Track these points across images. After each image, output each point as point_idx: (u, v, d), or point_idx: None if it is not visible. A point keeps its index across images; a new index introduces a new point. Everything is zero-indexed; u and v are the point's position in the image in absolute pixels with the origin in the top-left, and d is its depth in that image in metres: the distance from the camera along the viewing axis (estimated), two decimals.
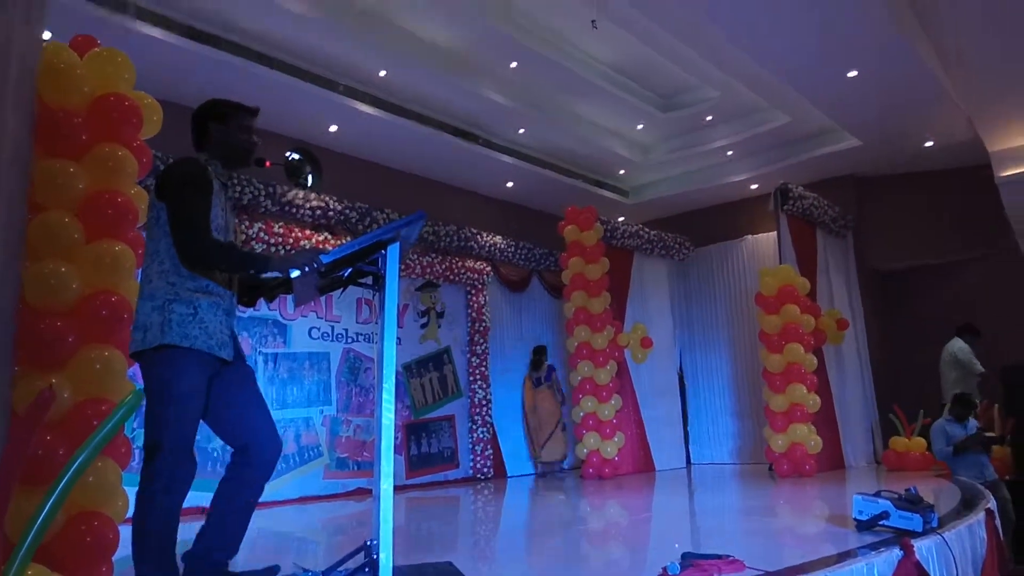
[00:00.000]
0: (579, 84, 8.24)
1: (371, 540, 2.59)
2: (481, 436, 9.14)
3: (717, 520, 5.64)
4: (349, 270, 2.84)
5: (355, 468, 7.86)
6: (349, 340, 8.09)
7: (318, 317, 7.84)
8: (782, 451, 7.97)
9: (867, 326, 9.68)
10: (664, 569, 2.97)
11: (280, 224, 7.36)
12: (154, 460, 2.47)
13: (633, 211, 11.22)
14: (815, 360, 8.21)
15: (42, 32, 3.06)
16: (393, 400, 2.53)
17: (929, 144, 9.07)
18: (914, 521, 3.78)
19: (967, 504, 4.86)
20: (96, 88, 3.20)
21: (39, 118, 2.99)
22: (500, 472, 9.32)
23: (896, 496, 3.92)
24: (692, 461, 10.58)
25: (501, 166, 9.29)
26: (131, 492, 2.73)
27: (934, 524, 3.85)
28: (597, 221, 9.02)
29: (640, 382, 9.58)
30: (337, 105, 7.45)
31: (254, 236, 7.09)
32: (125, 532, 2.73)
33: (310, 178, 3.20)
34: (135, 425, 5.65)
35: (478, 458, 9.10)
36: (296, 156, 3.16)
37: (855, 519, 4.01)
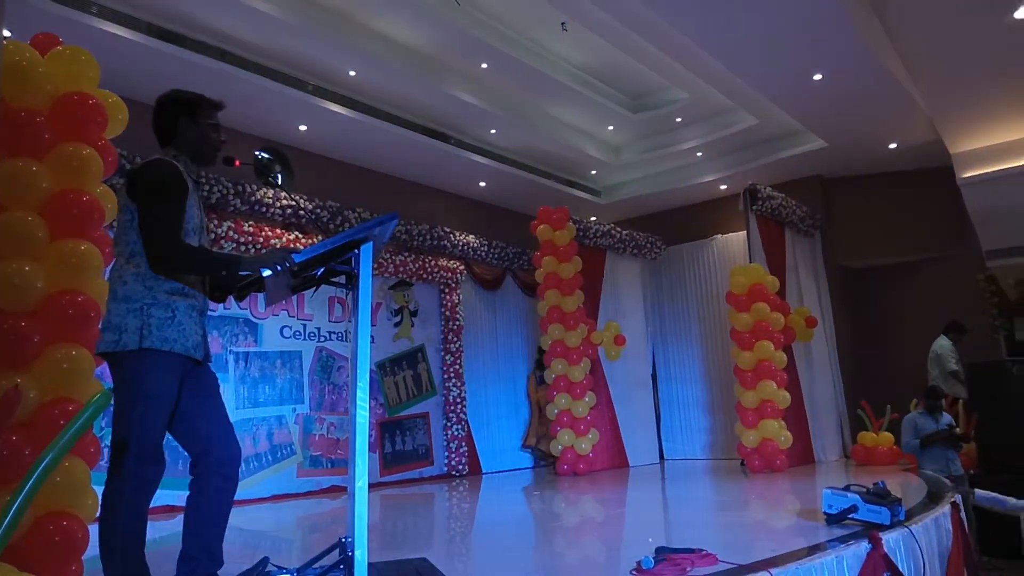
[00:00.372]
0: (550, 85, 8.27)
1: (346, 537, 2.58)
2: (456, 433, 9.14)
3: (690, 515, 5.70)
4: (322, 269, 2.82)
5: (329, 466, 7.81)
6: (322, 338, 8.04)
7: (290, 316, 7.78)
8: (753, 446, 8.08)
9: (835, 323, 9.84)
10: (638, 563, 3.00)
11: (250, 223, 7.29)
12: (123, 460, 2.44)
13: (605, 211, 11.29)
14: (785, 357, 8.33)
15: (1, 31, 3.00)
16: (368, 398, 2.53)
17: (893, 146, 9.25)
18: (882, 514, 3.85)
19: (933, 498, 4.96)
20: (59, 87, 3.15)
21: (1, 117, 2.93)
22: (475, 469, 9.33)
23: (864, 490, 4.00)
24: (665, 457, 10.67)
25: (473, 166, 9.30)
26: (100, 491, 2.69)
27: (901, 517, 3.94)
28: (569, 221, 9.06)
29: (614, 379, 9.64)
30: (306, 104, 7.40)
31: (223, 235, 7.01)
32: (94, 531, 2.69)
33: (279, 177, 3.17)
34: (103, 424, 5.58)
35: (453, 455, 9.10)
36: (265, 155, 3.13)
37: (825, 513, 4.08)
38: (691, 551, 3.18)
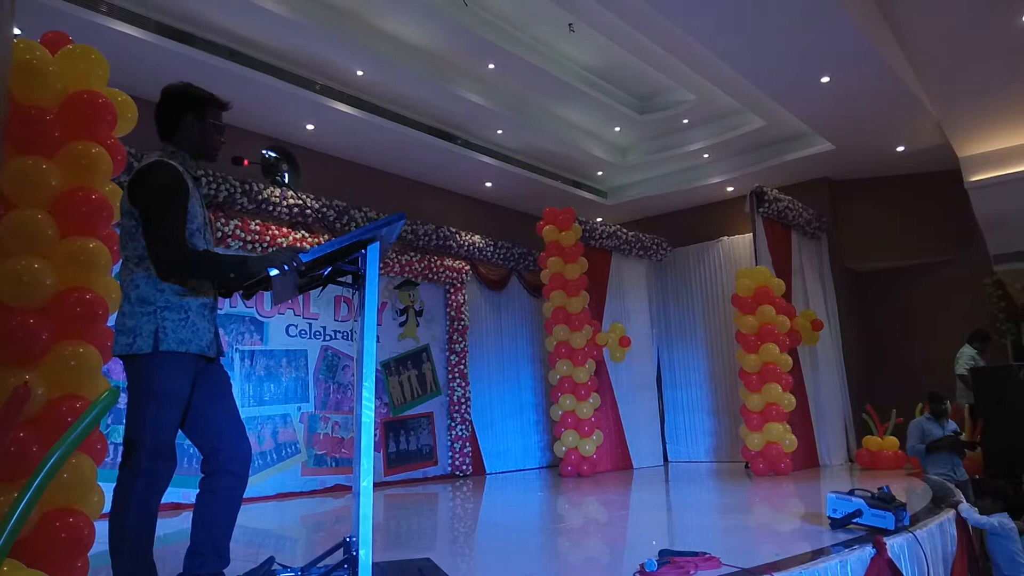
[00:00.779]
0: (556, 86, 8.27)
1: (350, 537, 2.58)
2: (460, 434, 9.15)
3: (694, 517, 5.69)
4: (329, 269, 2.83)
5: (333, 465, 7.83)
6: (327, 338, 8.05)
7: (296, 315, 7.80)
8: (758, 449, 8.06)
9: (841, 327, 9.82)
10: (642, 566, 3.00)
11: (256, 221, 7.31)
12: (134, 457, 2.45)
13: (611, 212, 11.29)
14: (790, 360, 8.31)
15: (12, 29, 3.01)
16: (373, 398, 2.53)
17: (901, 149, 9.23)
18: (887, 519, 3.84)
19: (938, 503, 4.95)
20: (69, 85, 3.15)
21: (10, 115, 2.94)
22: (479, 470, 9.34)
23: (869, 495, 3.99)
24: (669, 459, 10.67)
25: (480, 166, 9.30)
26: (107, 488, 2.70)
27: (906, 522, 3.93)
28: (576, 221, 9.06)
29: (618, 381, 9.64)
30: (314, 104, 7.41)
31: (230, 233, 7.03)
32: (100, 528, 2.70)
33: (286, 176, 3.17)
34: (109, 421, 5.60)
35: (457, 455, 9.11)
36: (272, 154, 3.14)
37: (829, 517, 4.08)
38: (694, 554, 3.18)
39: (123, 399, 3.02)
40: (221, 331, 6.95)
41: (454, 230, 9.45)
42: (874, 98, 7.72)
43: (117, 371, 5.44)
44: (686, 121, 9.51)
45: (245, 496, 2.72)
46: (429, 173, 9.47)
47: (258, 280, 2.72)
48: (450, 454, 9.13)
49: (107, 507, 2.63)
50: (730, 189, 10.50)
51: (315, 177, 8.10)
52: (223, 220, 6.99)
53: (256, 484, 7.02)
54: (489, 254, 9.91)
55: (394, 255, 8.68)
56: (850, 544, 3.50)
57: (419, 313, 9.18)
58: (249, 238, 7.17)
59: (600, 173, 10.66)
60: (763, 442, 8.04)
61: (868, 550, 3.37)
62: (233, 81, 6.67)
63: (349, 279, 2.87)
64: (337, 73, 7.40)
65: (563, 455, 8.77)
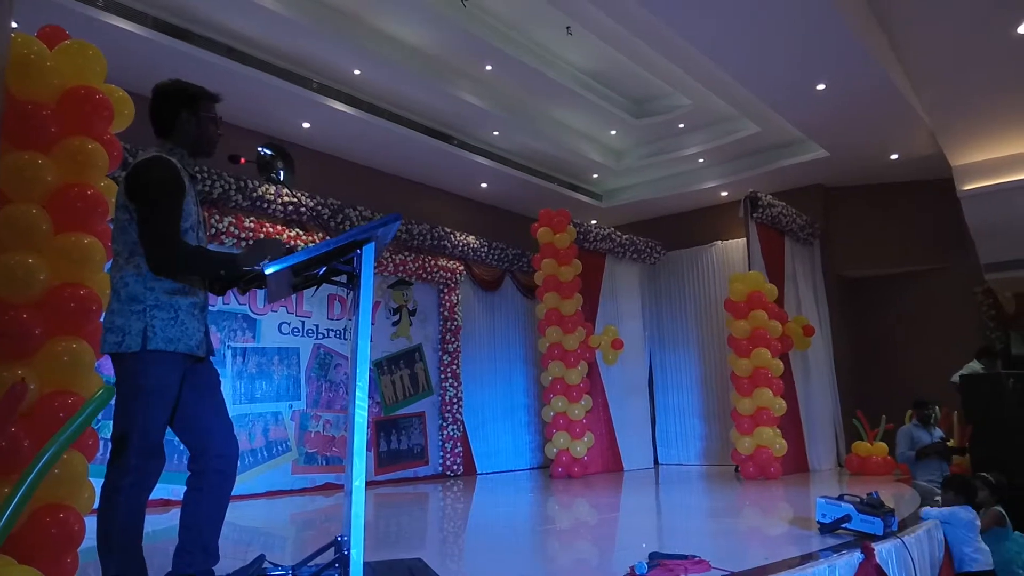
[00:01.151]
0: (553, 88, 8.29)
1: (341, 536, 2.59)
2: (451, 433, 9.15)
3: (684, 520, 5.71)
4: (324, 268, 2.83)
5: (324, 463, 7.82)
6: (320, 336, 8.05)
7: (288, 312, 7.79)
8: (748, 453, 8.10)
9: (833, 332, 9.86)
10: (632, 568, 3.02)
11: (251, 219, 7.30)
12: (124, 454, 2.45)
13: (606, 215, 11.31)
14: (782, 365, 8.36)
15: (9, 23, 3.00)
16: (367, 398, 2.54)
17: (894, 157, 9.28)
18: (875, 525, 3.88)
19: None
20: (66, 80, 3.15)
21: (7, 110, 2.94)
22: (470, 470, 9.34)
23: (858, 500, 4.02)
24: (660, 462, 10.70)
25: (475, 167, 9.31)
26: (97, 484, 2.70)
27: (894, 528, 3.96)
28: (570, 224, 9.08)
29: (610, 383, 9.67)
30: (310, 102, 7.41)
31: (224, 230, 7.02)
32: (90, 523, 2.69)
33: (281, 173, 3.18)
34: (99, 416, 5.58)
35: (448, 455, 9.11)
36: (268, 151, 3.14)
37: (818, 522, 4.10)
38: (684, 557, 3.20)
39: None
40: (212, 328, 6.98)
41: (449, 230, 9.46)
42: (869, 106, 7.77)
43: (108, 367, 5.43)
44: (682, 126, 9.54)
45: (234, 493, 2.72)
46: (425, 173, 9.47)
47: (254, 276, 2.72)
48: (441, 454, 9.13)
49: (97, 503, 2.63)
50: (724, 194, 10.53)
51: (310, 175, 8.10)
52: (217, 217, 6.97)
53: (246, 481, 7.01)
54: (483, 255, 9.92)
55: (388, 254, 8.68)
56: (839, 549, 3.52)
57: (412, 312, 9.19)
58: (243, 235, 7.16)
59: (595, 176, 10.68)
60: (753, 446, 8.07)
61: (856, 555, 3.40)
62: (230, 78, 6.65)
63: (344, 279, 2.87)
64: (334, 72, 7.40)
65: (554, 456, 8.78)
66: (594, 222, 10.46)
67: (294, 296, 7.76)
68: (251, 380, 7.37)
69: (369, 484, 7.92)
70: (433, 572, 3.14)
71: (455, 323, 9.43)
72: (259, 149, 3.12)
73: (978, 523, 4.63)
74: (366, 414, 2.52)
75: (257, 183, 7.29)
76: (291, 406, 7.66)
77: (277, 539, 5.09)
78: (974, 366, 7.89)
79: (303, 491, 7.52)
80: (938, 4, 6.28)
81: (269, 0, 6.22)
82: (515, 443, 10.16)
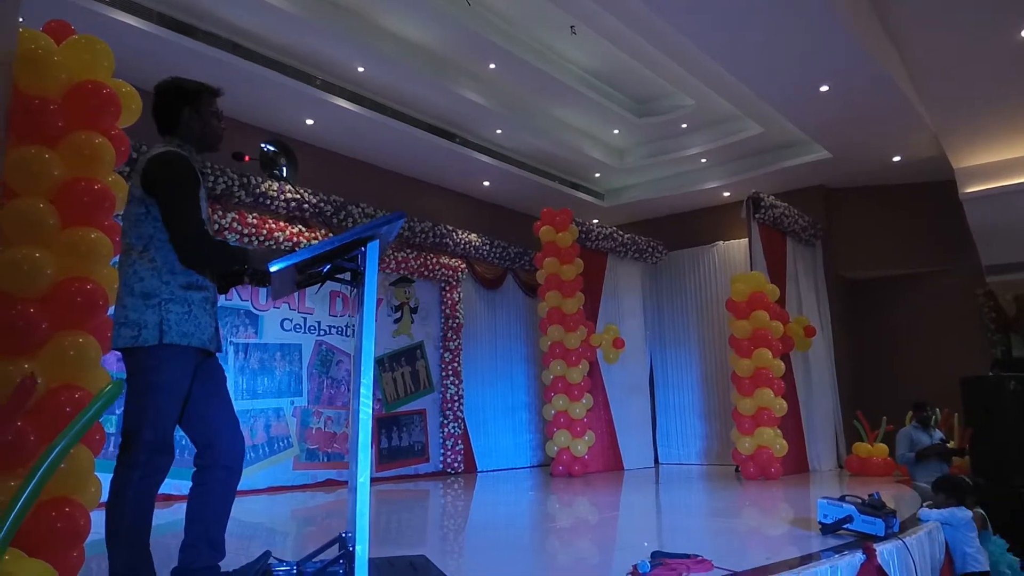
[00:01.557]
0: (556, 87, 8.29)
1: (346, 532, 2.59)
2: (452, 431, 9.16)
3: (684, 520, 5.72)
4: (328, 266, 2.84)
5: (325, 460, 7.83)
6: (322, 332, 8.06)
7: (290, 309, 7.80)
8: (748, 453, 8.11)
9: (834, 333, 9.87)
10: (635, 567, 3.03)
11: (254, 215, 7.31)
12: (133, 449, 2.46)
13: (607, 214, 11.31)
14: (783, 365, 8.36)
15: (17, 18, 3.01)
16: (371, 395, 2.54)
17: (897, 159, 9.28)
18: (877, 526, 3.88)
19: None
20: (74, 75, 3.15)
21: (14, 105, 2.94)
22: (471, 467, 9.35)
23: (860, 501, 4.02)
24: (660, 461, 10.71)
25: (478, 165, 9.31)
26: (105, 479, 2.70)
27: (896, 529, 3.97)
28: (572, 222, 9.09)
29: (611, 382, 9.67)
30: (314, 99, 7.40)
31: (227, 226, 7.03)
32: (96, 517, 2.70)
33: (284, 170, 3.18)
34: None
35: (449, 453, 9.12)
36: (271, 148, 3.14)
37: (820, 522, 4.11)
38: (687, 556, 3.20)
39: None
40: None
41: (451, 228, 9.47)
42: (872, 108, 7.77)
43: (111, 361, 5.43)
44: (684, 125, 9.54)
45: (237, 488, 2.73)
46: (427, 171, 9.47)
47: (258, 275, 2.74)
48: (442, 451, 9.15)
49: (104, 497, 2.63)
50: (726, 194, 10.54)
51: (313, 172, 8.10)
52: (220, 213, 6.98)
53: (248, 477, 6.97)
54: (485, 253, 9.92)
55: (391, 252, 8.69)
56: (840, 550, 3.53)
57: (414, 310, 9.20)
58: (246, 231, 7.17)
59: (598, 175, 10.68)
60: (754, 446, 8.08)
61: (858, 556, 3.41)
62: (234, 74, 6.65)
63: (347, 276, 2.88)
64: (338, 69, 7.40)
65: (555, 455, 8.79)
66: (596, 221, 10.46)
67: (296, 293, 7.77)
68: (253, 376, 7.38)
69: (370, 481, 7.95)
70: (436, 568, 3.15)
71: (457, 321, 9.44)
72: (262, 145, 3.12)
73: (974, 524, 4.64)
74: (370, 410, 2.53)
75: (260, 179, 7.30)
76: (293, 402, 7.67)
77: (279, 535, 5.10)
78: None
79: (304, 487, 7.53)
80: (942, 7, 6.29)
81: None
82: (516, 441, 10.17)
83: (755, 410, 8.15)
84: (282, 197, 7.52)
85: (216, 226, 6.92)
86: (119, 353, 2.59)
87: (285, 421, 7.58)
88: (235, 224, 7.09)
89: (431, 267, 9.14)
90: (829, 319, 9.86)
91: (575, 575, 3.73)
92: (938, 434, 7.19)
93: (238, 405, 7.07)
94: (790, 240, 9.46)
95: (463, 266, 9.62)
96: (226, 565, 2.68)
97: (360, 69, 7.40)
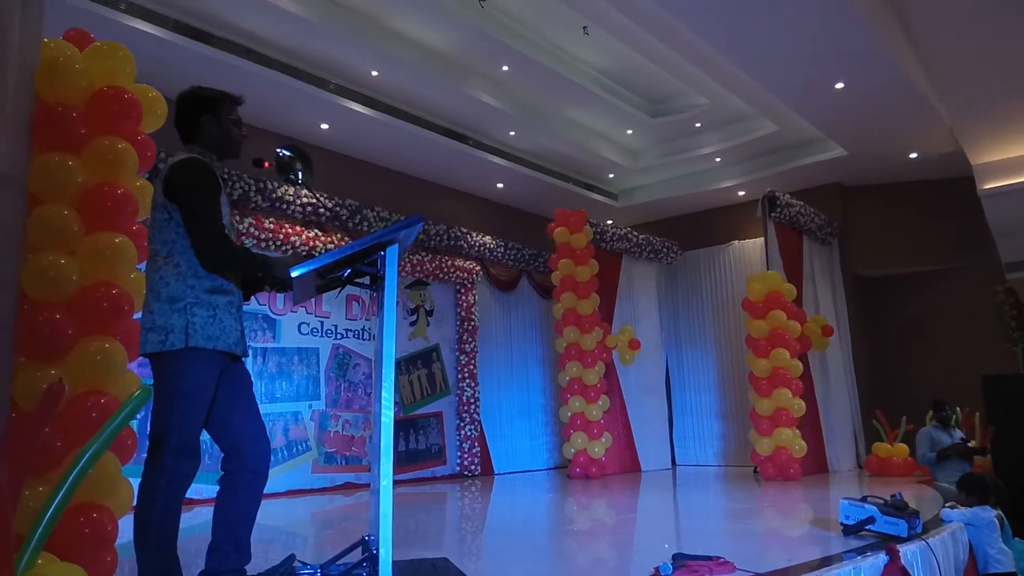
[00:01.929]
0: (570, 88, 8.28)
1: (368, 535, 2.61)
2: (469, 434, 9.17)
3: (703, 522, 5.69)
4: (348, 270, 2.86)
5: (343, 463, 7.87)
6: (339, 336, 8.09)
7: (308, 313, 7.84)
8: (767, 454, 8.06)
9: (851, 332, 9.80)
10: (656, 569, 3.02)
11: (271, 220, 7.35)
12: (161, 453, 2.48)
13: (622, 214, 11.29)
14: (800, 365, 8.30)
15: (42, 29, 3.04)
16: (393, 399, 2.55)
17: (914, 155, 9.20)
18: (899, 527, 3.85)
19: None
20: (96, 82, 3.19)
21: (37, 113, 2.97)
22: (487, 470, 9.36)
23: (882, 502, 3.99)
24: (677, 462, 10.67)
25: (492, 167, 9.32)
26: (135, 483, 2.72)
27: (919, 530, 3.93)
28: (587, 223, 9.07)
29: (627, 383, 9.65)
30: (329, 104, 7.44)
31: (244, 231, 7.08)
32: (125, 521, 2.72)
33: (300, 174, 3.20)
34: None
35: (465, 455, 9.13)
36: (287, 152, 3.16)
37: (842, 523, 4.08)
38: (709, 558, 3.19)
39: None
40: None
41: (465, 231, 9.48)
42: (888, 105, 7.71)
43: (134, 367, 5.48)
44: (698, 125, 9.51)
45: None
46: (441, 173, 9.49)
47: (281, 281, 2.76)
48: (459, 454, 9.16)
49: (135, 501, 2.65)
50: (742, 193, 10.49)
51: (329, 176, 8.13)
52: (238, 218, 7.03)
53: (267, 481, 7.04)
54: (500, 255, 9.93)
55: (406, 255, 8.71)
56: (863, 551, 3.51)
57: (429, 313, 9.22)
58: (263, 236, 7.21)
59: (612, 176, 10.67)
60: (772, 447, 8.03)
61: (881, 557, 3.38)
62: (249, 80, 6.70)
63: (367, 280, 2.90)
64: (352, 73, 7.44)
65: (571, 457, 8.78)
66: (610, 222, 10.45)
67: (314, 297, 7.81)
68: (271, 380, 7.42)
69: None
70: (458, 570, 3.16)
71: (472, 323, 9.45)
72: (278, 150, 3.14)
73: (997, 524, 4.59)
74: (392, 414, 2.54)
75: (277, 184, 7.34)
76: (311, 406, 7.71)
77: (299, 538, 5.13)
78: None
79: (323, 490, 7.56)
80: (958, 1, 6.23)
81: (287, 2, 6.26)
82: (532, 443, 10.17)
83: (773, 411, 8.10)
84: (298, 202, 7.56)
85: (233, 231, 6.96)
86: (143, 359, 2.62)
87: (303, 425, 7.62)
88: (252, 229, 7.13)
89: (446, 270, 9.16)
90: (846, 318, 9.79)
91: None
92: (958, 433, 7.12)
93: None
94: (806, 239, 9.41)
95: (478, 268, 9.64)
96: (250, 569, 2.70)
97: (374, 73, 7.43)
